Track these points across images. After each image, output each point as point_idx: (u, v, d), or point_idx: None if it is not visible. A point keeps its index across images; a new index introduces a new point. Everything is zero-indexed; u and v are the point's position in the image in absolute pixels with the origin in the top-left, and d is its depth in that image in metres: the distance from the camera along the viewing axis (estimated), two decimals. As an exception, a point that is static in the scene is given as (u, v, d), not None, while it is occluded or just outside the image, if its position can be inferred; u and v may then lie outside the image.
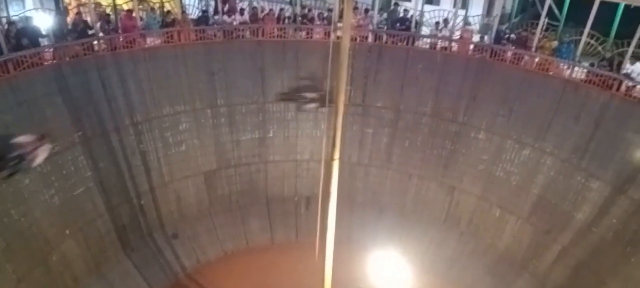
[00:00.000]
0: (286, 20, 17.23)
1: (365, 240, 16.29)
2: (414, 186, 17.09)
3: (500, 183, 15.44)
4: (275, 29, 16.33)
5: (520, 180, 15.00)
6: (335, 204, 7.16)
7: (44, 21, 13.92)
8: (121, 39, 14.27)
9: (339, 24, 6.88)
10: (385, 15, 18.20)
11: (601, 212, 13.04)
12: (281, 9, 17.55)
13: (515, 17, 22.37)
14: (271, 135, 17.20)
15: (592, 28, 14.44)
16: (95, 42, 13.82)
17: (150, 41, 15.20)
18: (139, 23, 15.05)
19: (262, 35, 16.23)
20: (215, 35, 15.89)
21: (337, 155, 6.61)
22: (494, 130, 15.39)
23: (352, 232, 16.69)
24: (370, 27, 17.07)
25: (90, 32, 13.90)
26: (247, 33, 16.30)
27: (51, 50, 13.08)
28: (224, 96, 16.17)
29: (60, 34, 13.65)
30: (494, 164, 15.53)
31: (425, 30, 17.56)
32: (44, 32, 13.47)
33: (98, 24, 14.09)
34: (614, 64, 13.75)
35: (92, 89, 13.41)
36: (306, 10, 17.89)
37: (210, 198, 16.81)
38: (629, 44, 13.79)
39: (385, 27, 17.35)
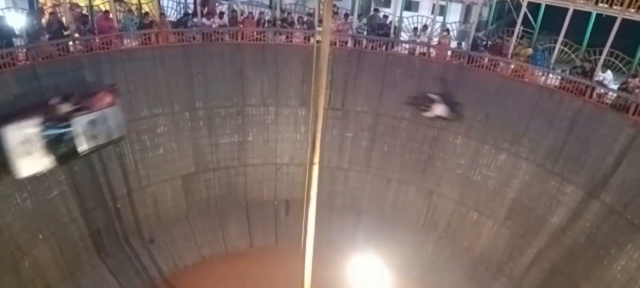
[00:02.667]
0: (266, 24, 17.20)
1: (344, 244, 16.31)
2: (393, 190, 17.20)
3: (477, 188, 15.66)
4: (255, 33, 16.28)
5: (497, 185, 15.24)
6: (315, 209, 7.14)
7: (17, 21, 13.58)
8: (97, 40, 14.02)
9: (319, 28, 6.89)
10: (364, 20, 18.33)
11: (574, 216, 13.33)
12: (261, 13, 17.53)
13: (492, 24, 22.82)
14: (251, 138, 17.11)
15: (565, 36, 14.84)
16: (71, 43, 13.54)
17: (128, 43, 14.98)
18: (116, 24, 14.81)
19: (242, 39, 16.16)
20: (194, 38, 15.75)
21: (316, 160, 6.60)
22: (471, 135, 15.61)
23: (332, 236, 16.69)
24: (350, 32, 17.17)
25: (65, 32, 13.62)
26: (227, 36, 16.21)
27: (24, 50, 12.77)
28: (203, 99, 16.03)
29: (34, 34, 13.34)
30: (471, 169, 15.75)
31: (404, 36, 17.75)
32: (17, 32, 13.14)
33: (74, 25, 13.82)
34: (587, 72, 14.11)
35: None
36: (286, 14, 17.89)
37: (188, 203, 16.61)
38: (600, 52, 14.20)
39: (365, 32, 17.47)
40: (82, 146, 11.72)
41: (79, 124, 11.45)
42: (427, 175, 16.55)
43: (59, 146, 11.26)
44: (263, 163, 17.44)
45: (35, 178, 12.43)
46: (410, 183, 16.88)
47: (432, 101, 15.17)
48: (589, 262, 12.75)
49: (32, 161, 10.94)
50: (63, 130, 11.22)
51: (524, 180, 14.65)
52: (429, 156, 16.45)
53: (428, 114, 15.40)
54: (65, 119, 11.27)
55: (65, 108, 11.43)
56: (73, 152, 11.62)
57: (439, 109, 15.06)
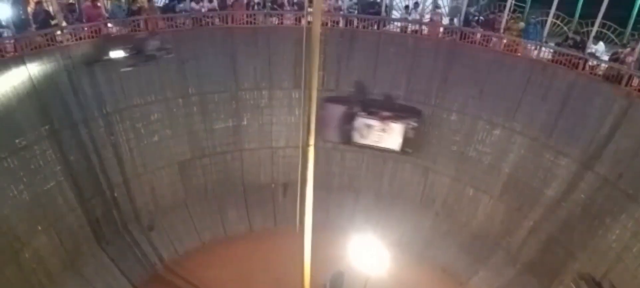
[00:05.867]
0: (256, 7, 17.02)
1: (343, 223, 16.46)
2: (389, 169, 17.29)
3: (473, 164, 15.76)
4: (245, 16, 16.12)
5: (492, 160, 15.34)
6: (312, 190, 7.18)
7: (2, 11, 13.37)
8: (86, 29, 13.85)
9: (310, 9, 6.85)
10: (355, -1, 18.19)
11: (569, 188, 13.47)
12: (250, -5, 17.32)
13: (483, -1, 22.64)
14: (245, 123, 17.08)
15: (557, 9, 14.77)
16: (59, 32, 13.38)
17: (117, 30, 14.81)
18: (104, 12, 14.60)
19: (232, 22, 16.00)
20: (183, 23, 15.58)
21: (312, 141, 6.61)
22: (466, 111, 15.65)
23: (330, 216, 16.82)
24: (341, 11, 17.03)
25: (52, 22, 13.45)
26: (217, 20, 16.04)
27: (12, 41, 12.61)
28: (196, 85, 15.95)
29: (21, 25, 13.16)
30: (466, 145, 15.83)
31: (395, 14, 17.62)
32: (4, 23, 12.96)
33: (61, 14, 13.63)
34: (579, 44, 14.11)
35: (57, 81, 13.01)
36: (276, -4, 17.69)
37: (185, 188, 16.63)
38: (592, 24, 14.17)
39: (356, 12, 17.34)
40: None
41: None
42: (422, 152, 16.62)
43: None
44: (259, 147, 17.45)
45: (30, 170, 12.43)
46: (406, 162, 16.95)
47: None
48: (585, 233, 12.91)
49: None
50: None
51: (519, 154, 14.74)
52: (424, 134, 16.49)
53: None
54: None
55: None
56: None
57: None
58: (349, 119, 16.20)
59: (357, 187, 17.71)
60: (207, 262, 15.53)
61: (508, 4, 15.37)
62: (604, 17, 13.98)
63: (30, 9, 14.30)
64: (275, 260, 14.99)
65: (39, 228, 12.74)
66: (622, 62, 13.01)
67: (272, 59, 16.49)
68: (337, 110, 16.27)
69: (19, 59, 12.27)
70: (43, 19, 13.38)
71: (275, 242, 16.00)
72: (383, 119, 15.89)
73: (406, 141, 15.92)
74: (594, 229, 12.68)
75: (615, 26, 15.47)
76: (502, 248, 15.08)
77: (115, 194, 14.92)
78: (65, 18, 13.88)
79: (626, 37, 15.47)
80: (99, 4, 14.45)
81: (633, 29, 15.89)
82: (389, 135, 15.95)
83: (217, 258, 15.65)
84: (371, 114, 16.05)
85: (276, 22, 16.58)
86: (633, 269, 11.51)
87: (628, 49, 13.30)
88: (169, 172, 16.15)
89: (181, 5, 16.14)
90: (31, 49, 12.57)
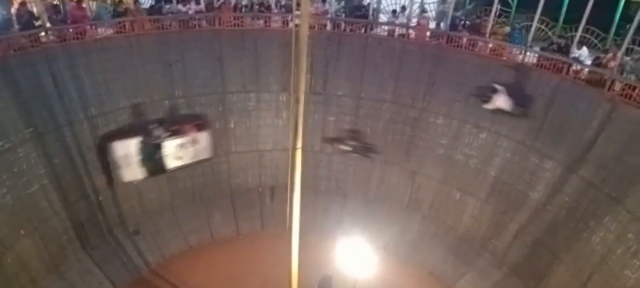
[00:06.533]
0: (243, 9, 16.98)
1: (330, 227, 16.44)
2: (377, 172, 17.33)
3: (460, 167, 15.86)
4: (232, 18, 16.06)
5: (479, 163, 15.46)
6: (300, 193, 7.15)
7: (-14, 13, 13.22)
8: (71, 30, 13.69)
9: (297, 12, 6.84)
10: (343, 3, 18.23)
11: (554, 191, 13.61)
12: (238, -3, 17.28)
13: (469, 4, 22.86)
14: (232, 125, 17.01)
15: (542, 14, 14.94)
16: (43, 34, 13.20)
17: (102, 31, 14.67)
18: (90, 13, 14.45)
19: (219, 24, 15.93)
20: (170, 25, 15.47)
21: (299, 144, 6.59)
22: (453, 115, 15.75)
23: (317, 219, 16.79)
24: (329, 15, 17.06)
25: (36, 23, 13.27)
26: (204, 22, 15.97)
27: (-5, 42, 12.42)
28: (183, 87, 15.83)
29: (4, 26, 12.96)
30: (453, 148, 15.93)
31: (382, 18, 17.71)
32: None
33: (45, 15, 13.46)
34: (563, 48, 14.29)
35: (42, 83, 12.82)
36: (263, -1, 17.67)
37: (172, 192, 16.49)
38: (576, 29, 14.38)
39: (343, 15, 17.38)
40: (170, 165, 14.65)
41: (168, 146, 14.42)
42: (410, 156, 16.70)
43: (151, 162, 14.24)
44: (246, 150, 17.38)
45: (13, 173, 12.23)
46: (393, 165, 17.01)
47: (495, 91, 13.98)
48: (569, 235, 13.05)
49: (130, 171, 14.00)
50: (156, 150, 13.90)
51: (505, 158, 14.87)
52: (411, 137, 16.57)
53: (488, 106, 14.31)
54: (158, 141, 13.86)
55: (159, 132, 14.25)
56: (161, 168, 14.59)
57: (501, 101, 13.91)
58: (153, 149, 14.33)
59: (345, 191, 17.73)
60: (194, 265, 15.41)
61: (493, 9, 15.54)
62: (587, 22, 14.20)
63: (13, 9, 14.10)
64: (262, 263, 14.91)
65: (22, 232, 12.53)
66: (605, 66, 13.21)
67: (260, 62, 16.45)
68: (129, 145, 14.05)
69: (2, 60, 12.08)
70: (27, 20, 13.20)
71: (262, 246, 15.92)
72: (189, 131, 14.87)
73: (213, 145, 15.55)
74: (579, 232, 12.83)
75: (599, 31, 15.73)
76: (489, 251, 15.18)
77: (101, 198, 14.74)
78: (50, 19, 13.69)
79: (609, 42, 15.73)
80: (84, 5, 14.29)
81: (615, 34, 16.18)
82: (200, 146, 15.17)
83: (203, 262, 15.53)
84: (176, 132, 14.71)
85: (263, 25, 16.54)
86: (617, 271, 11.66)
87: (610, 54, 13.51)
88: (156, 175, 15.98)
89: (168, 6, 16.03)
90: (15, 50, 12.38)
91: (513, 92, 13.89)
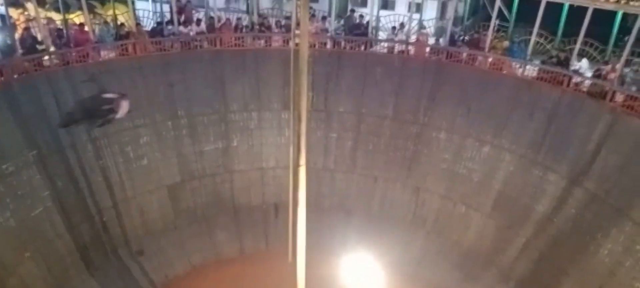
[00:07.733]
0: (244, 29, 17.15)
1: (334, 244, 16.30)
2: (380, 188, 17.28)
3: (463, 181, 15.82)
4: (233, 38, 16.22)
5: (482, 177, 15.42)
6: (305, 211, 7.14)
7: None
8: (74, 54, 13.82)
9: (297, 31, 6.90)
10: (342, 21, 18.41)
11: (559, 204, 13.55)
12: (238, 18, 17.49)
13: (468, 19, 23.07)
14: (235, 144, 17.03)
15: (540, 27, 15.08)
16: (46, 58, 13.32)
17: (105, 54, 14.81)
18: (92, 37, 14.61)
19: (221, 45, 16.09)
20: (172, 46, 15.64)
21: (303, 162, 6.60)
22: (454, 130, 15.77)
23: (322, 237, 16.67)
24: (328, 33, 17.22)
25: (39, 47, 13.40)
26: (205, 43, 16.13)
27: (-1, 66, 12.54)
28: (185, 107, 15.92)
29: (8, 51, 13.10)
30: (455, 163, 15.90)
31: (382, 35, 17.85)
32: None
33: (49, 39, 13.60)
34: (562, 61, 14.36)
35: (44, 106, 12.90)
36: (263, 19, 17.86)
37: (175, 212, 16.45)
38: (575, 42, 14.47)
39: (343, 33, 17.54)
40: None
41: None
42: (412, 171, 16.66)
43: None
44: (249, 168, 17.37)
45: (17, 196, 12.23)
46: (396, 181, 16.97)
47: (114, 101, 11.54)
48: (576, 249, 12.95)
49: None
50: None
51: (508, 171, 14.84)
52: (414, 153, 16.57)
53: (120, 116, 11.87)
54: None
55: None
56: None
57: (126, 106, 11.67)
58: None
59: (348, 208, 17.65)
60: (198, 285, 15.30)
61: (492, 24, 15.66)
62: (586, 35, 14.29)
63: (17, 35, 14.26)
64: (267, 282, 14.79)
65: (26, 255, 12.49)
66: (605, 78, 13.26)
67: (261, 81, 16.55)
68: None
69: (6, 84, 12.19)
70: (30, 45, 13.34)
71: (266, 264, 15.81)
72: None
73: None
74: (585, 245, 12.73)
75: (597, 44, 15.81)
76: (495, 266, 15.04)
77: (104, 219, 14.71)
78: (53, 43, 13.83)
79: (608, 54, 15.80)
80: (86, 29, 14.44)
81: (614, 46, 16.26)
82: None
83: (208, 282, 15.42)
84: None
85: (264, 44, 16.69)
86: (626, 284, 11.53)
87: (610, 66, 13.57)
88: (159, 195, 15.97)
89: (170, 28, 16.21)
90: (18, 74, 12.49)
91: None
